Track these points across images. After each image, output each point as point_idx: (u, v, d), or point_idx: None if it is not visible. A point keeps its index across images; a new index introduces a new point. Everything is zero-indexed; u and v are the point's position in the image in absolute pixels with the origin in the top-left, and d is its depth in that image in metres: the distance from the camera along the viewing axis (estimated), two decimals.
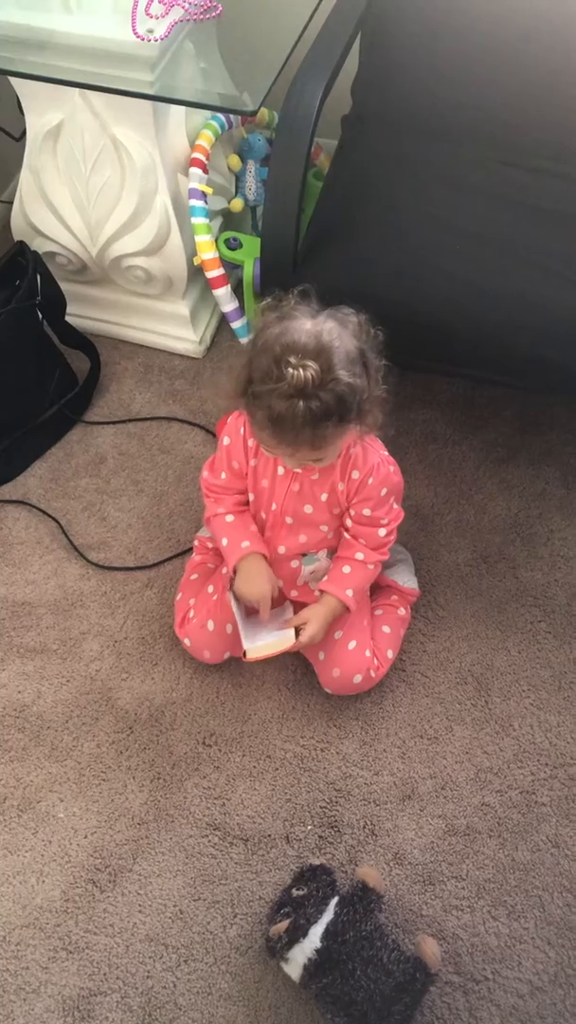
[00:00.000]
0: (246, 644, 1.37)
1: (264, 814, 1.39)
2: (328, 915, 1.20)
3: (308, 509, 1.36)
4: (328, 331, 1.12)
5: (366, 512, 1.35)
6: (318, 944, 1.17)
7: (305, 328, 1.12)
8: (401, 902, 1.32)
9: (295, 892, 1.24)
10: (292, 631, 1.38)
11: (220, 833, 1.38)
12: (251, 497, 1.40)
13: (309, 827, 1.38)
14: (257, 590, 1.37)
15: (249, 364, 1.15)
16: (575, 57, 1.58)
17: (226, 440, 1.38)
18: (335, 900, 1.23)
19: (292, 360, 1.09)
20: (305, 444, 1.16)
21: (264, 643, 1.37)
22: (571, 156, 1.61)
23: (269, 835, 1.38)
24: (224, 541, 1.40)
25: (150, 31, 1.43)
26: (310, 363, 1.09)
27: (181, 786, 1.42)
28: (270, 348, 1.12)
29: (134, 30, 1.43)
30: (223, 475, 1.40)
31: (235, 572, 1.39)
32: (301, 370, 1.09)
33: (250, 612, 1.42)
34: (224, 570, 1.44)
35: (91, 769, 1.43)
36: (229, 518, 1.41)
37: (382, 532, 1.37)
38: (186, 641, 1.49)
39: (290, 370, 1.09)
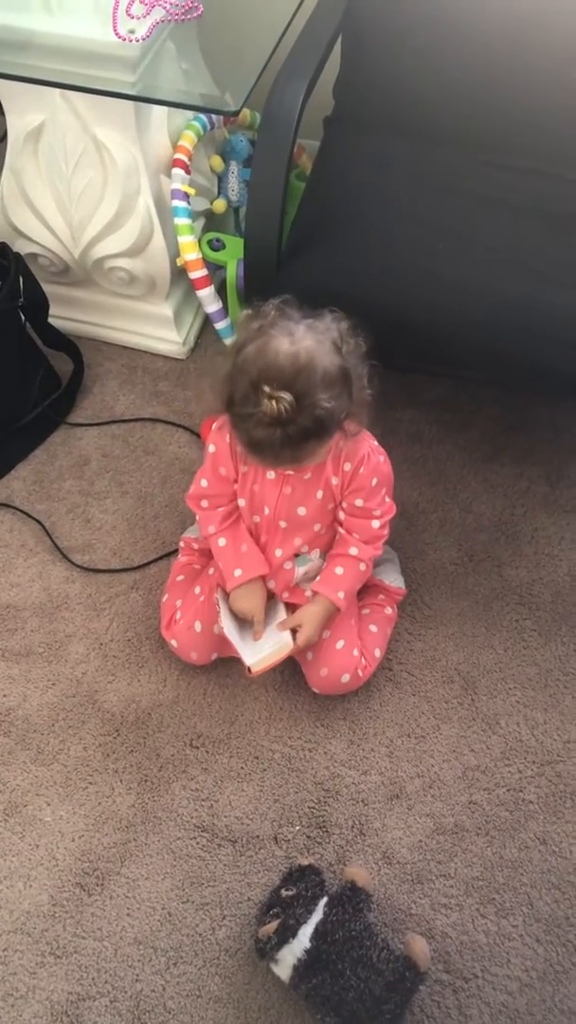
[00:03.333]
0: (248, 660, 1.37)
1: (252, 815, 1.39)
2: (317, 915, 1.20)
3: (301, 511, 1.35)
4: (306, 351, 1.10)
5: (358, 503, 1.34)
6: (307, 944, 1.17)
7: (283, 349, 1.10)
8: (390, 901, 1.32)
9: (284, 893, 1.23)
10: (288, 635, 1.38)
11: (208, 835, 1.37)
12: (242, 503, 1.39)
13: (297, 827, 1.38)
14: (247, 607, 1.40)
15: (230, 380, 1.14)
16: (556, 57, 1.58)
17: (212, 448, 1.37)
18: (324, 900, 1.22)
19: (267, 390, 1.08)
20: (286, 462, 1.19)
21: (265, 655, 1.38)
22: (552, 155, 1.62)
23: (257, 836, 1.37)
24: (220, 564, 1.42)
25: (131, 31, 1.43)
26: (283, 395, 1.07)
27: (168, 788, 1.41)
28: (247, 371, 1.11)
29: (115, 30, 1.42)
30: (204, 482, 1.39)
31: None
32: (275, 402, 1.07)
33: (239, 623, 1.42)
34: (216, 592, 1.44)
35: (78, 772, 1.43)
36: (221, 541, 1.41)
37: (375, 524, 1.36)
38: (173, 643, 1.48)
39: (265, 401, 1.08)
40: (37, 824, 1.38)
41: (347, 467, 1.31)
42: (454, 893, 1.33)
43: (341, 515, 1.37)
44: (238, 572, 1.39)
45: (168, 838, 1.37)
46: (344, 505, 1.36)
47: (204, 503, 1.41)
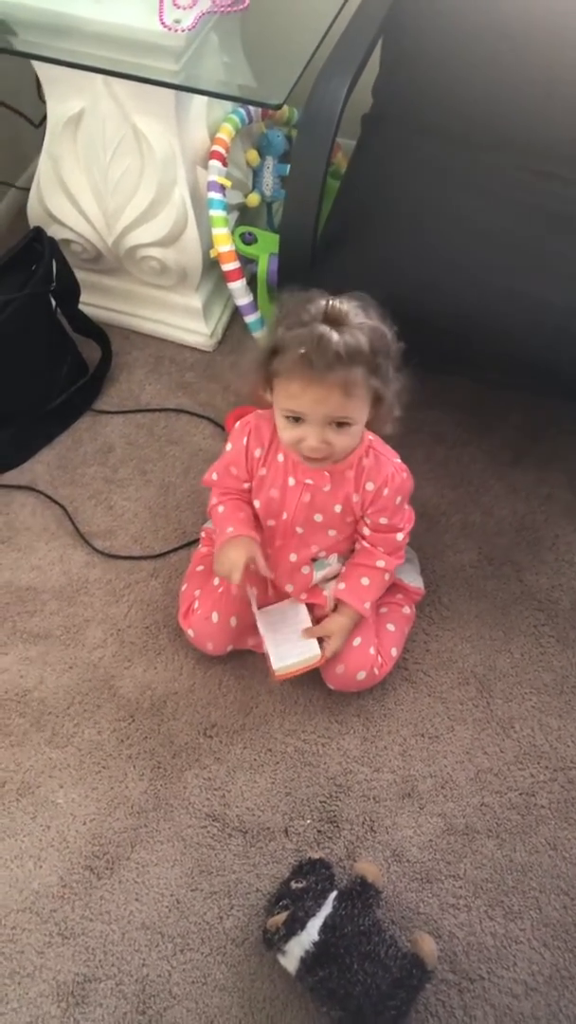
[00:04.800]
0: (275, 663, 1.38)
1: (263, 807, 1.39)
2: (326, 909, 1.20)
3: (318, 518, 1.36)
4: (352, 302, 1.18)
5: (383, 521, 1.36)
6: (316, 937, 1.17)
7: (330, 297, 1.18)
8: (399, 899, 1.32)
9: (294, 885, 1.24)
10: (316, 646, 1.39)
11: (219, 824, 1.38)
12: (257, 504, 1.40)
13: (308, 821, 1.38)
14: (233, 558, 1.32)
15: (275, 328, 1.19)
16: None
17: (229, 446, 1.38)
18: (333, 894, 1.23)
19: (324, 300, 1.16)
20: (337, 386, 1.15)
21: (292, 662, 1.38)
22: None
23: (268, 828, 1.38)
24: (217, 528, 1.42)
25: (177, 21, 1.44)
26: (343, 301, 1.16)
27: (181, 776, 1.42)
28: (296, 307, 1.17)
29: (161, 20, 1.43)
30: (215, 475, 1.41)
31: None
32: (337, 303, 1.15)
33: (261, 605, 1.42)
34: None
35: (91, 756, 1.43)
36: (221, 508, 1.41)
37: (399, 536, 1.38)
38: (190, 632, 1.49)
39: (323, 302, 1.16)
40: (49, 806, 1.39)
41: (369, 486, 1.32)
42: (463, 894, 1.33)
43: (365, 530, 1.38)
44: (230, 529, 1.37)
45: (179, 825, 1.37)
46: (368, 521, 1.37)
47: (215, 488, 1.43)
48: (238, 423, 1.39)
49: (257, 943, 1.27)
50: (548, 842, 1.37)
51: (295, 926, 1.18)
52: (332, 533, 1.39)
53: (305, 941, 1.17)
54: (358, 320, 1.16)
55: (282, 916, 1.20)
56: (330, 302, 1.16)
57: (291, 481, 1.34)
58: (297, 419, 1.21)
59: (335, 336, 1.13)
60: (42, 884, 1.32)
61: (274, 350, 1.18)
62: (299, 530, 1.38)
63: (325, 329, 1.13)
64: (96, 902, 1.31)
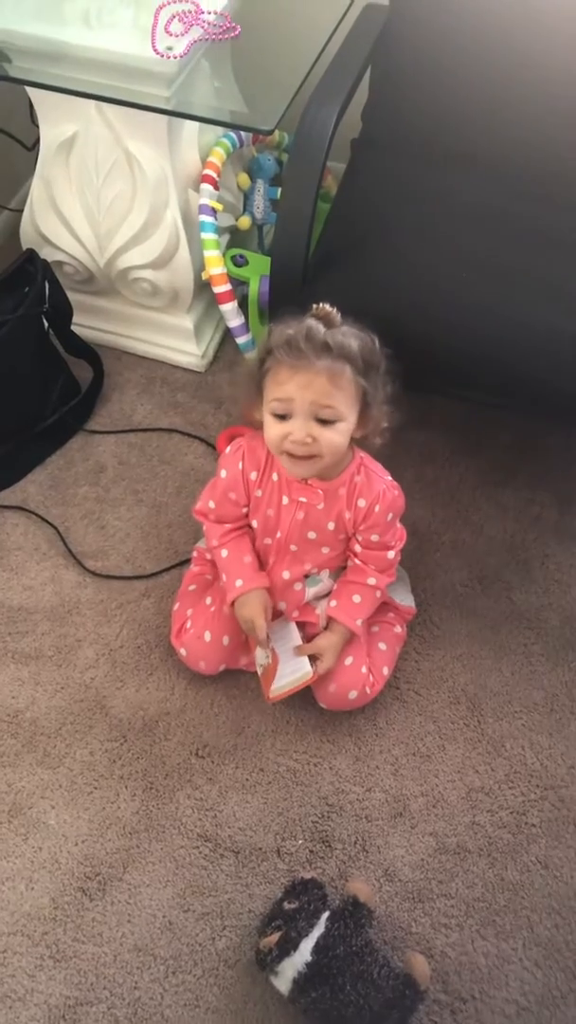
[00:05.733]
0: (271, 686, 1.38)
1: (256, 827, 1.39)
2: (319, 929, 1.20)
3: (312, 535, 1.38)
4: (347, 321, 1.23)
5: (374, 538, 1.37)
6: (308, 958, 1.17)
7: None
8: (391, 919, 1.32)
9: (286, 905, 1.24)
10: (307, 664, 1.39)
11: (211, 845, 1.38)
12: (254, 524, 1.41)
13: (300, 841, 1.38)
14: (247, 615, 1.39)
15: (267, 338, 1.23)
16: None
17: (223, 473, 1.39)
18: (326, 914, 1.23)
19: (313, 305, 1.21)
20: (323, 372, 1.18)
21: (285, 681, 1.39)
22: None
23: (260, 848, 1.38)
24: (224, 577, 1.43)
25: (169, 48, 1.46)
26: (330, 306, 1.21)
27: (173, 797, 1.42)
28: (289, 318, 1.22)
29: (154, 47, 1.45)
30: (211, 503, 1.42)
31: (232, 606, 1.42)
32: (326, 306, 1.21)
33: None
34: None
35: (83, 777, 1.43)
36: (224, 553, 1.43)
37: (391, 554, 1.39)
38: (182, 651, 1.49)
39: (313, 306, 1.21)
40: (41, 827, 1.38)
41: (361, 503, 1.33)
42: (455, 913, 1.33)
43: (357, 547, 1.39)
44: (239, 583, 1.40)
45: (171, 846, 1.37)
46: (359, 539, 1.38)
47: (211, 517, 1.44)
48: (229, 447, 1.40)
49: (250, 964, 1.27)
50: (539, 861, 1.38)
51: (288, 947, 1.18)
52: (325, 550, 1.40)
53: (298, 962, 1.17)
54: (347, 327, 1.22)
55: (275, 937, 1.19)
56: (323, 305, 1.21)
57: (285, 500, 1.35)
58: (283, 417, 1.22)
59: (324, 328, 1.19)
60: (33, 906, 1.32)
61: (265, 354, 1.23)
62: (293, 548, 1.39)
63: (314, 322, 1.19)
64: (88, 924, 1.31)
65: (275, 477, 1.35)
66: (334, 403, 1.20)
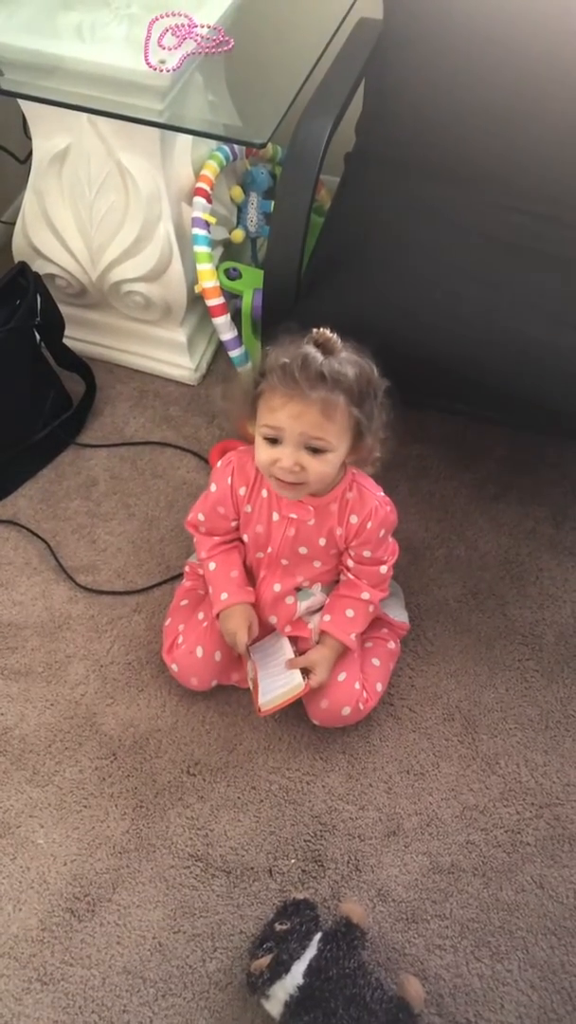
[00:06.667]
0: (260, 698, 1.37)
1: (247, 846, 1.38)
2: (311, 951, 1.18)
3: (303, 550, 1.37)
4: (346, 342, 1.20)
5: (367, 554, 1.36)
6: (300, 981, 1.15)
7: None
8: (384, 940, 1.30)
9: (278, 927, 1.22)
10: (299, 676, 1.38)
11: (202, 864, 1.36)
12: (245, 539, 1.40)
13: (293, 860, 1.37)
14: (230, 628, 1.39)
15: (263, 360, 1.21)
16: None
17: (213, 487, 1.38)
18: (318, 936, 1.21)
19: (313, 330, 1.18)
20: (316, 403, 1.15)
21: (276, 694, 1.37)
22: (568, 202, 1.64)
23: (252, 868, 1.36)
24: (211, 589, 1.43)
25: (162, 62, 1.45)
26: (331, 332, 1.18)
27: (164, 815, 1.40)
28: (287, 340, 1.19)
29: (147, 60, 1.44)
30: (200, 516, 1.41)
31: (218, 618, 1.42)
32: (328, 331, 1.17)
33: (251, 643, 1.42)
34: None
35: (73, 795, 1.41)
36: (212, 565, 1.42)
37: (383, 569, 1.38)
38: (173, 667, 1.48)
39: (313, 331, 1.17)
40: (29, 846, 1.36)
41: (353, 519, 1.32)
42: (449, 934, 1.31)
43: (349, 563, 1.39)
44: (224, 596, 1.40)
45: (161, 866, 1.35)
46: (352, 554, 1.37)
47: (202, 529, 1.43)
48: (220, 461, 1.39)
49: (241, 987, 1.25)
50: (534, 881, 1.36)
51: (279, 969, 1.16)
52: (317, 564, 1.39)
53: (289, 985, 1.15)
54: (346, 353, 1.18)
55: (266, 959, 1.17)
56: (322, 329, 1.18)
57: (275, 516, 1.34)
58: (275, 441, 1.21)
59: (321, 357, 1.15)
60: (21, 928, 1.29)
61: (261, 373, 1.21)
62: (284, 562, 1.39)
63: (312, 350, 1.16)
64: (76, 946, 1.28)
65: (264, 493, 1.34)
66: (325, 434, 1.19)
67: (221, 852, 1.37)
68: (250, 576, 1.44)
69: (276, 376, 1.16)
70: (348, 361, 1.18)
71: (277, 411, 1.18)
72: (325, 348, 1.17)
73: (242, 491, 1.36)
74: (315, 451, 1.20)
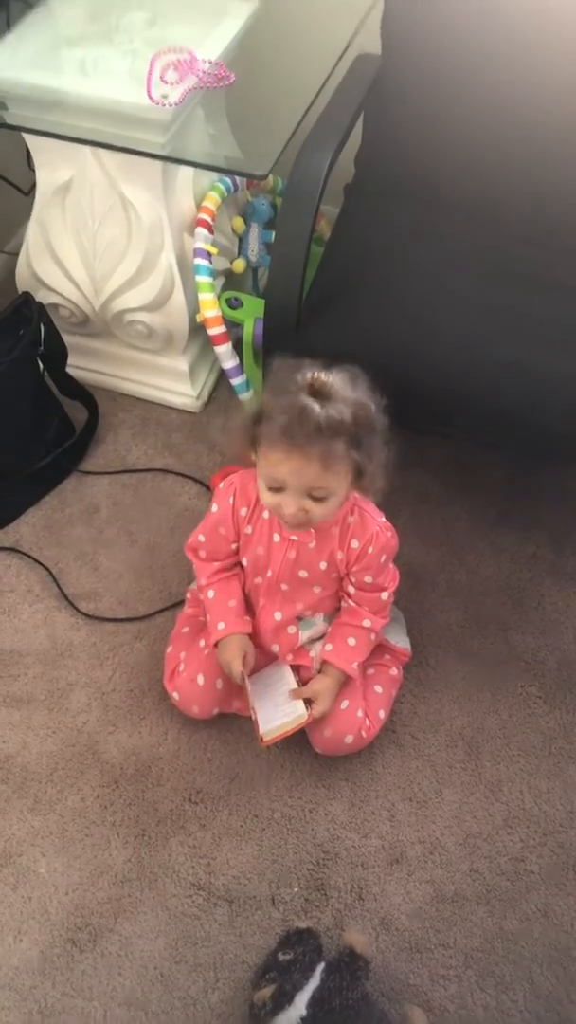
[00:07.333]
0: (262, 727, 1.37)
1: (250, 875, 1.37)
2: (314, 981, 1.17)
3: (303, 574, 1.37)
4: (341, 375, 1.18)
5: (367, 580, 1.36)
6: (304, 1012, 1.14)
7: (319, 372, 1.17)
8: (387, 970, 1.29)
9: (281, 957, 1.21)
10: (302, 706, 1.38)
11: (204, 893, 1.35)
12: (244, 562, 1.40)
13: (295, 889, 1.36)
14: (224, 659, 1.39)
15: (264, 393, 1.20)
16: (571, 139, 1.63)
17: (214, 508, 1.39)
18: (321, 966, 1.20)
19: (311, 371, 1.16)
20: (316, 458, 1.15)
21: (279, 724, 1.37)
22: (567, 231, 1.66)
23: (254, 897, 1.35)
24: (208, 617, 1.43)
25: (164, 96, 1.48)
26: (329, 375, 1.16)
27: (166, 844, 1.39)
28: (286, 375, 1.18)
29: (149, 94, 1.47)
30: (201, 537, 1.42)
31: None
32: (321, 374, 1.15)
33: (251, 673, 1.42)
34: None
35: (75, 824, 1.40)
36: (211, 593, 1.43)
37: (384, 595, 1.39)
38: (175, 695, 1.48)
39: (309, 374, 1.15)
40: (31, 876, 1.35)
41: (354, 544, 1.33)
42: (453, 964, 1.30)
43: (351, 589, 1.39)
44: (221, 625, 1.40)
45: (163, 895, 1.35)
46: (353, 580, 1.37)
47: (201, 553, 1.43)
48: (223, 483, 1.40)
49: (243, 1018, 1.24)
50: (539, 909, 1.35)
51: (282, 1000, 1.15)
52: (317, 590, 1.39)
53: (293, 1016, 1.14)
54: (343, 393, 1.16)
55: (269, 989, 1.16)
56: (316, 374, 1.16)
57: (276, 538, 1.35)
58: (278, 489, 1.22)
59: (317, 408, 1.13)
60: (22, 959, 1.29)
61: (259, 416, 1.19)
62: (284, 587, 1.38)
63: (308, 401, 1.14)
64: (78, 977, 1.27)
65: (266, 515, 1.35)
66: (326, 484, 1.20)
67: (223, 881, 1.36)
68: (249, 605, 1.45)
69: (273, 431, 1.16)
70: (345, 403, 1.16)
71: (278, 466, 1.19)
72: (321, 395, 1.15)
73: (243, 511, 1.36)
74: (317, 497, 1.22)
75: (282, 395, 1.16)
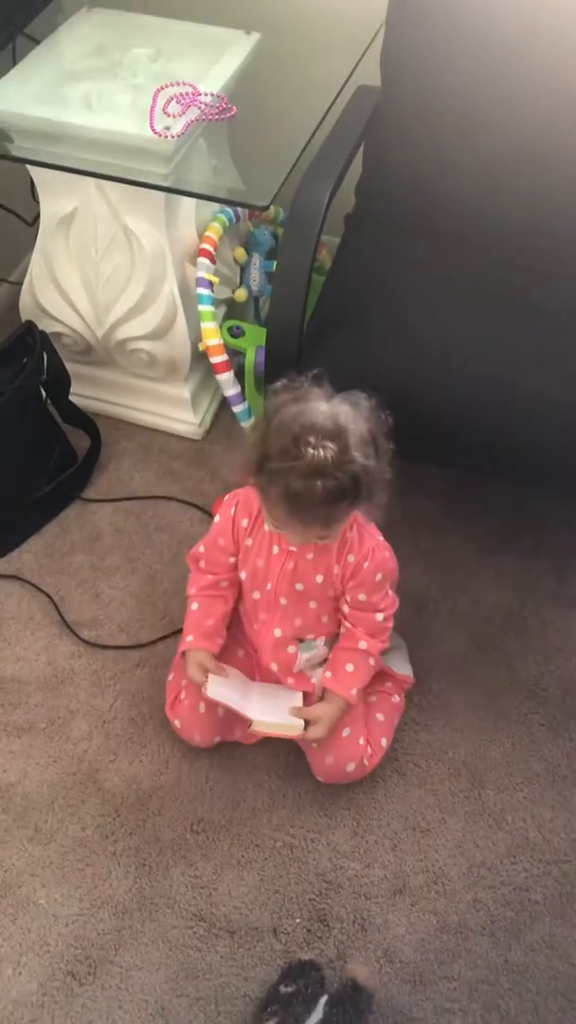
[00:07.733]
0: (256, 716, 1.36)
1: (251, 905, 1.36)
2: (317, 1015, 1.16)
3: (299, 587, 1.36)
4: (344, 413, 1.15)
5: (361, 597, 1.36)
6: None
7: (321, 410, 1.15)
8: (391, 1003, 1.28)
9: (283, 989, 1.20)
10: (302, 722, 1.37)
11: (205, 924, 1.34)
12: (243, 576, 1.41)
13: (297, 920, 1.34)
14: (188, 674, 1.41)
15: (264, 441, 1.17)
16: (569, 169, 1.65)
17: (217, 518, 1.41)
18: (324, 999, 1.18)
19: (311, 440, 1.11)
20: (318, 522, 1.19)
21: (274, 722, 1.36)
22: (569, 260, 1.67)
23: (256, 928, 1.33)
24: (184, 625, 1.45)
25: (167, 128, 1.50)
26: (329, 444, 1.11)
27: (167, 874, 1.38)
28: (288, 427, 1.14)
29: (152, 127, 1.49)
30: (202, 548, 1.43)
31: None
32: (321, 450, 1.11)
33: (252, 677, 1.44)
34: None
35: (75, 853, 1.39)
36: (194, 606, 1.44)
37: (379, 617, 1.38)
38: (176, 723, 1.47)
39: (310, 450, 1.11)
40: (31, 907, 1.34)
41: (351, 558, 1.33)
42: (458, 997, 1.29)
43: (345, 608, 1.38)
44: (190, 638, 1.42)
45: (164, 926, 1.33)
46: (348, 598, 1.37)
47: (201, 563, 1.44)
48: (227, 495, 1.41)
49: None
50: (544, 940, 1.34)
51: None
52: (313, 605, 1.38)
53: None
54: (344, 457, 1.12)
55: (271, 1023, 1.15)
56: (317, 452, 1.11)
57: (275, 549, 1.35)
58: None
59: (318, 486, 1.11)
60: (21, 992, 1.27)
61: (260, 463, 1.16)
62: (283, 601, 1.38)
63: (308, 482, 1.11)
64: (77, 1011, 1.26)
65: (267, 526, 1.35)
66: (329, 533, 1.25)
67: (225, 911, 1.35)
68: (247, 622, 1.46)
69: (276, 495, 1.15)
70: (343, 468, 1.12)
71: (281, 522, 1.22)
72: (321, 473, 1.11)
73: (244, 523, 1.37)
74: (322, 536, 1.26)
75: (284, 458, 1.12)
